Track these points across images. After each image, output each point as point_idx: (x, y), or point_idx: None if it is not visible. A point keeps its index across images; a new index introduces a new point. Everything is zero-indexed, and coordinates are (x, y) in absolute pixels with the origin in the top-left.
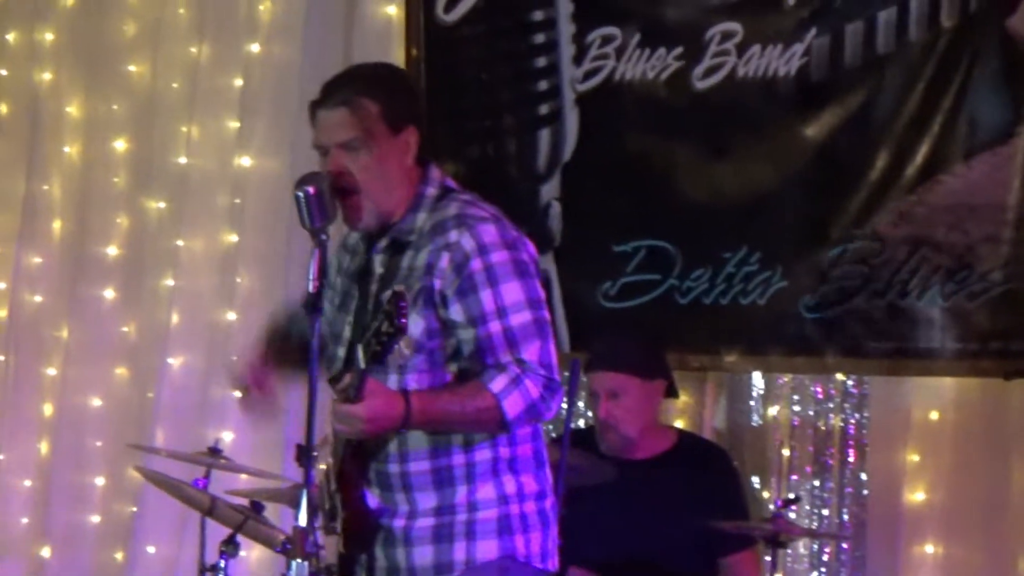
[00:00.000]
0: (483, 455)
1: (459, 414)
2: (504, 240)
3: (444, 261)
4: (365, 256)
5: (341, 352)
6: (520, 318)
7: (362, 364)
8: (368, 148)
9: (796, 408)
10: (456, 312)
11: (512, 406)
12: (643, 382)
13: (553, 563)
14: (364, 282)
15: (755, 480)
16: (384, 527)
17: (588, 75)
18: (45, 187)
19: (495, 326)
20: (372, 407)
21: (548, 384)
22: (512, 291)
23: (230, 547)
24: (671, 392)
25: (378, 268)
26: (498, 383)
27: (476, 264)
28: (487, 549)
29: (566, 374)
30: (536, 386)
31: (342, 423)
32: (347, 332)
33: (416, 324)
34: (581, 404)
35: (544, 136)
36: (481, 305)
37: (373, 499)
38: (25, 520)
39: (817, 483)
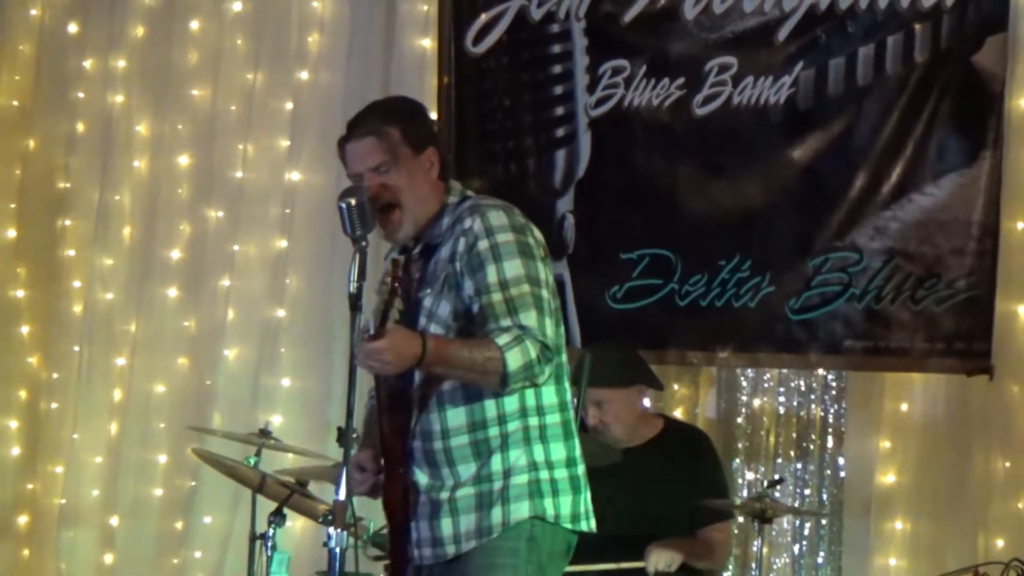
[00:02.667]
0: (515, 426)
1: (468, 359)
2: (512, 224)
3: (461, 245)
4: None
5: None
6: (519, 291)
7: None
8: (396, 168)
9: (781, 399)
10: (468, 287)
11: (513, 360)
12: (623, 390)
13: (590, 524)
14: (406, 288)
15: (744, 463)
16: (433, 501)
17: (600, 102)
18: (117, 197)
19: (497, 296)
20: (394, 341)
21: (544, 350)
22: (514, 267)
23: (278, 518)
24: (655, 386)
25: (415, 273)
26: (502, 338)
27: (483, 244)
28: (519, 510)
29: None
30: (534, 348)
31: (370, 358)
32: None
33: (443, 308)
34: None
35: (560, 156)
36: (486, 278)
37: (423, 476)
38: (96, 492)
39: (799, 466)
